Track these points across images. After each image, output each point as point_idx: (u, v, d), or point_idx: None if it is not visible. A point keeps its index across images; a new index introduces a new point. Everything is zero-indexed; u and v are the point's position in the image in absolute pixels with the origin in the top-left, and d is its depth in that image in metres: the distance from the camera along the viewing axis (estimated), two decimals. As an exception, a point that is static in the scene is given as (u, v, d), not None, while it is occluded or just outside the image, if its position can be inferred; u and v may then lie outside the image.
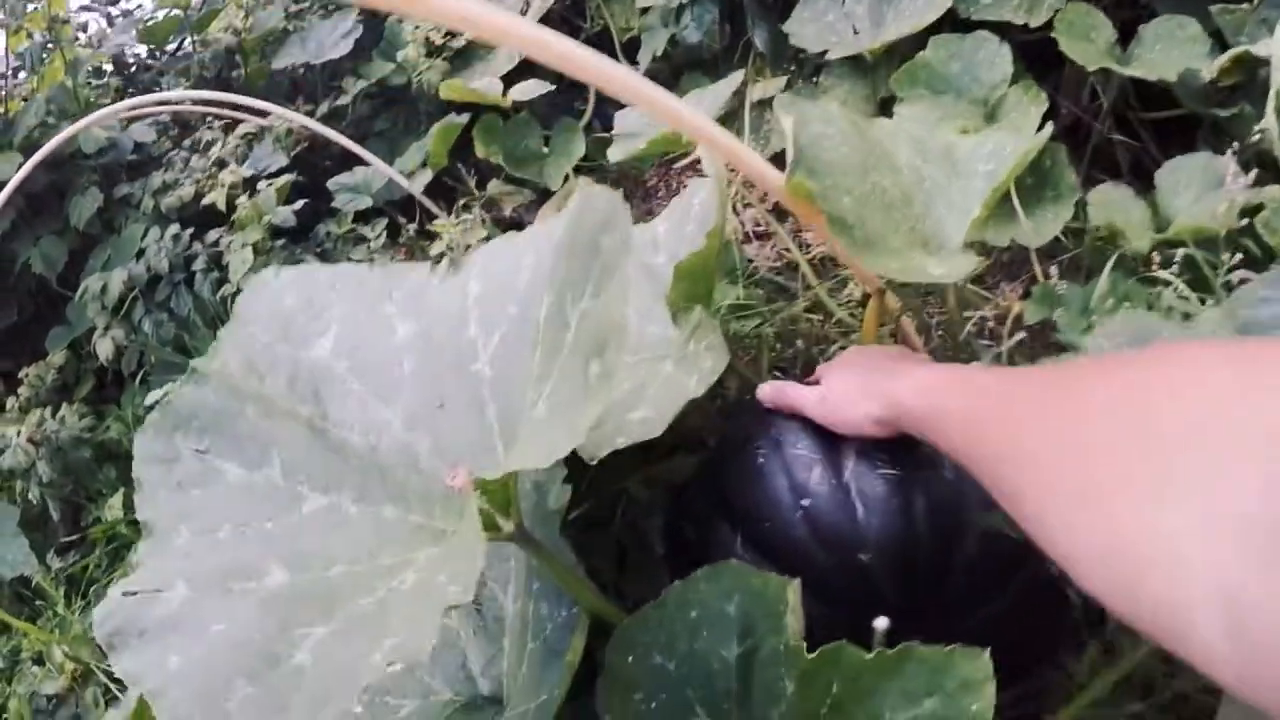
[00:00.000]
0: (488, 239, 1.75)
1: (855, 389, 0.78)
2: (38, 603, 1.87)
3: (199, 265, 1.86)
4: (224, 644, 0.66)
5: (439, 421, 0.90)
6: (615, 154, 1.79)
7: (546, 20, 2.17)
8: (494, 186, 2.11)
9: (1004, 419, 0.53)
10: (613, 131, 1.81)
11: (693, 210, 1.13)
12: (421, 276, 1.03)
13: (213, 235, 1.89)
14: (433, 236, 1.97)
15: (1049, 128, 1.06)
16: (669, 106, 0.81)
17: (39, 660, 1.87)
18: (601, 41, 2.25)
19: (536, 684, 0.75)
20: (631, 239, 0.73)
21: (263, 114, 1.97)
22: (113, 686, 1.72)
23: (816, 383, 0.84)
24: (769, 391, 0.85)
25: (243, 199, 1.82)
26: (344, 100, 2.14)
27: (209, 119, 2.18)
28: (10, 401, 2.00)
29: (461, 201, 2.11)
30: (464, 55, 2.14)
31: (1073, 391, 0.48)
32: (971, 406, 0.58)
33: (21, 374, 2.01)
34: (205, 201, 1.84)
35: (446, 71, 2.12)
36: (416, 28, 2.16)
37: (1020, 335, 1.08)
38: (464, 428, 0.88)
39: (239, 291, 1.71)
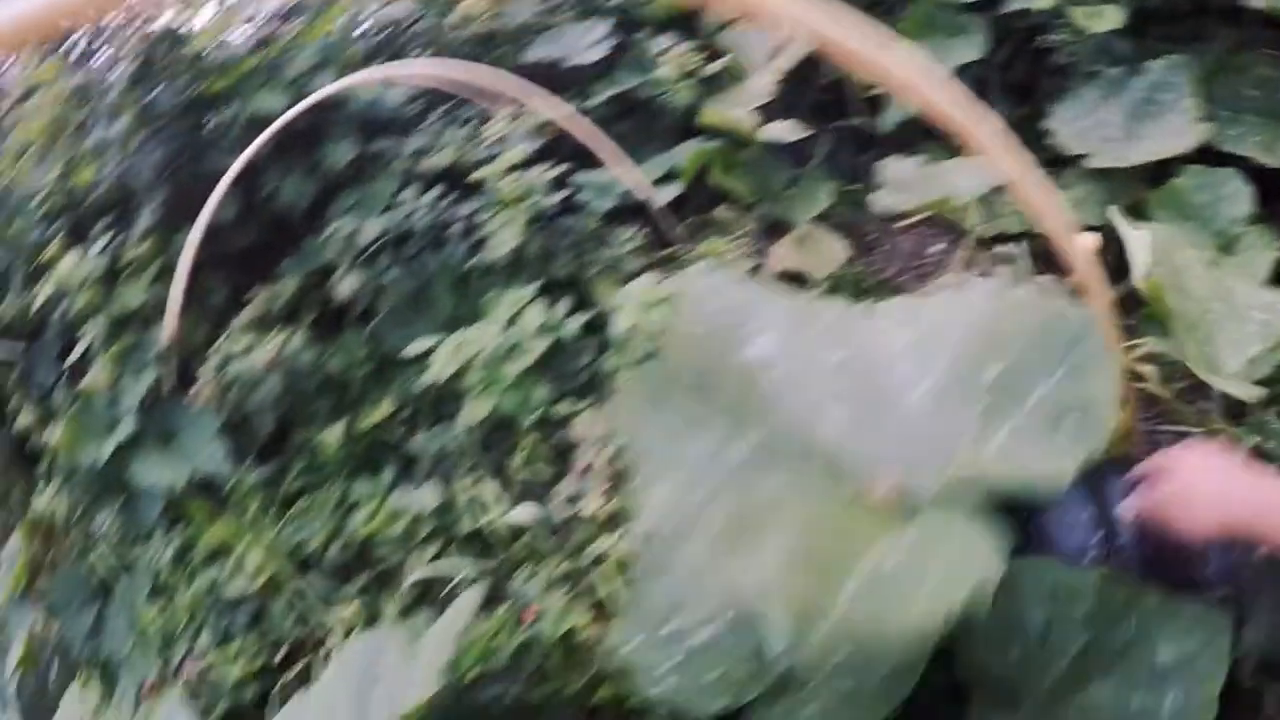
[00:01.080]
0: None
1: (1216, 492, 0.85)
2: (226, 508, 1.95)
3: (455, 230, 1.97)
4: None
5: (865, 434, 1.01)
6: (882, 201, 1.90)
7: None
8: (721, 211, 2.23)
9: None
10: (878, 179, 1.93)
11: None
12: (838, 310, 1.17)
13: (469, 206, 2.00)
14: (667, 245, 2.08)
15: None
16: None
17: (213, 557, 1.95)
18: (837, 93, 2.37)
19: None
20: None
21: (515, 100, 2.08)
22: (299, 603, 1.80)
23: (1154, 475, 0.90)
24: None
25: (509, 179, 1.93)
26: (591, 102, 2.26)
27: (460, 98, 2.30)
28: (236, 316, 2.10)
29: (690, 220, 2.22)
30: (715, 80, 2.26)
31: None
32: None
33: (249, 294, 2.12)
34: (475, 176, 1.95)
35: (699, 94, 2.24)
36: (668, 49, 2.28)
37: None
38: (890, 446, 0.99)
39: (488, 266, 1.83)
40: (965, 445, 1.13)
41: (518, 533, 1.64)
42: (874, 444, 1.14)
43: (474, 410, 1.72)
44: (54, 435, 2.24)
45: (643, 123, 2.29)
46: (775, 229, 2.16)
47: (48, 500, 2.22)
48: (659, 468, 1.01)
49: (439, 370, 1.71)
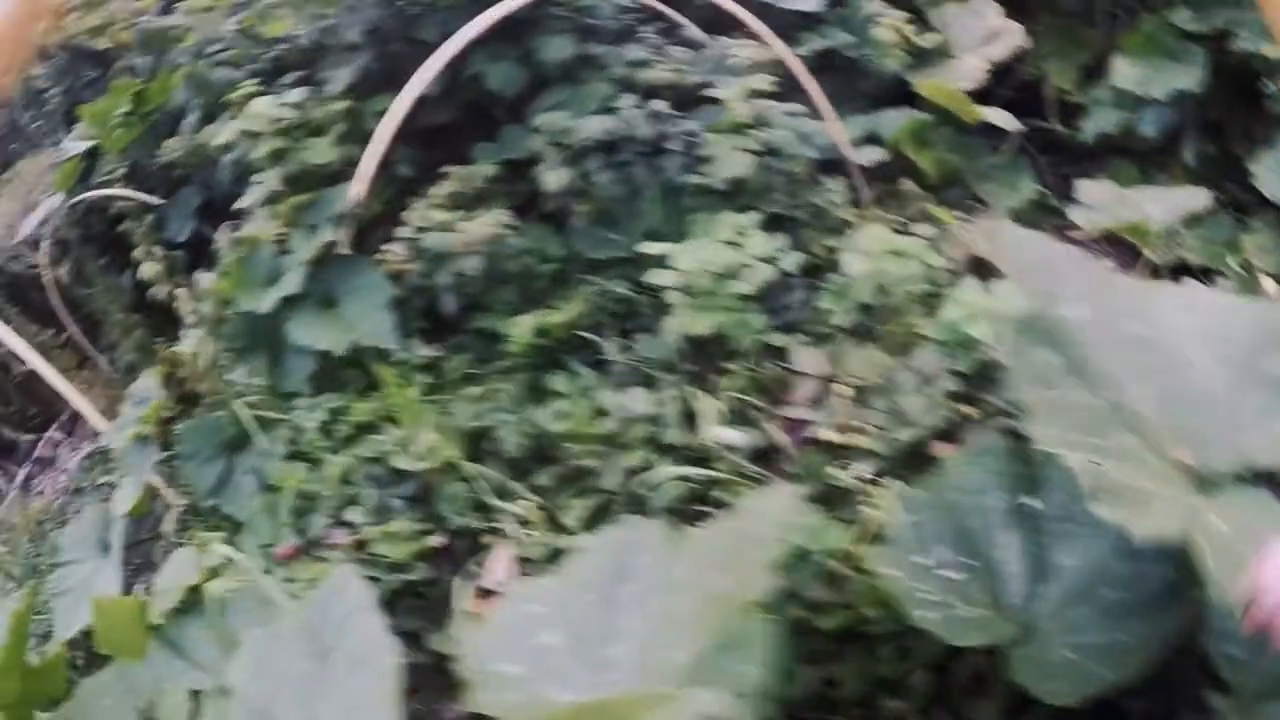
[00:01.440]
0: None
1: None
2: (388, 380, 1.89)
3: (673, 145, 1.94)
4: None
5: (1169, 409, 1.05)
6: (1079, 217, 1.93)
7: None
8: (907, 184, 2.24)
9: None
10: (1076, 194, 1.96)
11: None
12: (1132, 284, 1.19)
13: (688, 125, 1.98)
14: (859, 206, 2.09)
15: None
16: None
17: (366, 429, 1.90)
18: (1030, 94, 2.39)
19: None
20: None
21: (739, 29, 2.06)
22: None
23: None
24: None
25: (743, 104, 1.92)
26: (798, 50, 2.24)
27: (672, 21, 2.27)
28: (422, 190, 2.04)
29: (874, 185, 2.22)
30: (924, 54, 2.26)
31: None
32: None
33: (440, 171, 2.06)
34: (709, 94, 1.93)
35: (907, 64, 2.24)
36: (881, 13, 2.28)
37: None
38: (1189, 422, 1.03)
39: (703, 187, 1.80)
40: (1253, 431, 1.16)
41: (720, 452, 1.63)
42: (1176, 418, 1.16)
43: (691, 324, 1.70)
44: (198, 283, 2.17)
45: (846, 81, 2.29)
46: (961, 211, 2.18)
47: (190, 345, 2.14)
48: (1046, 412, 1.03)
49: (666, 277, 1.69)
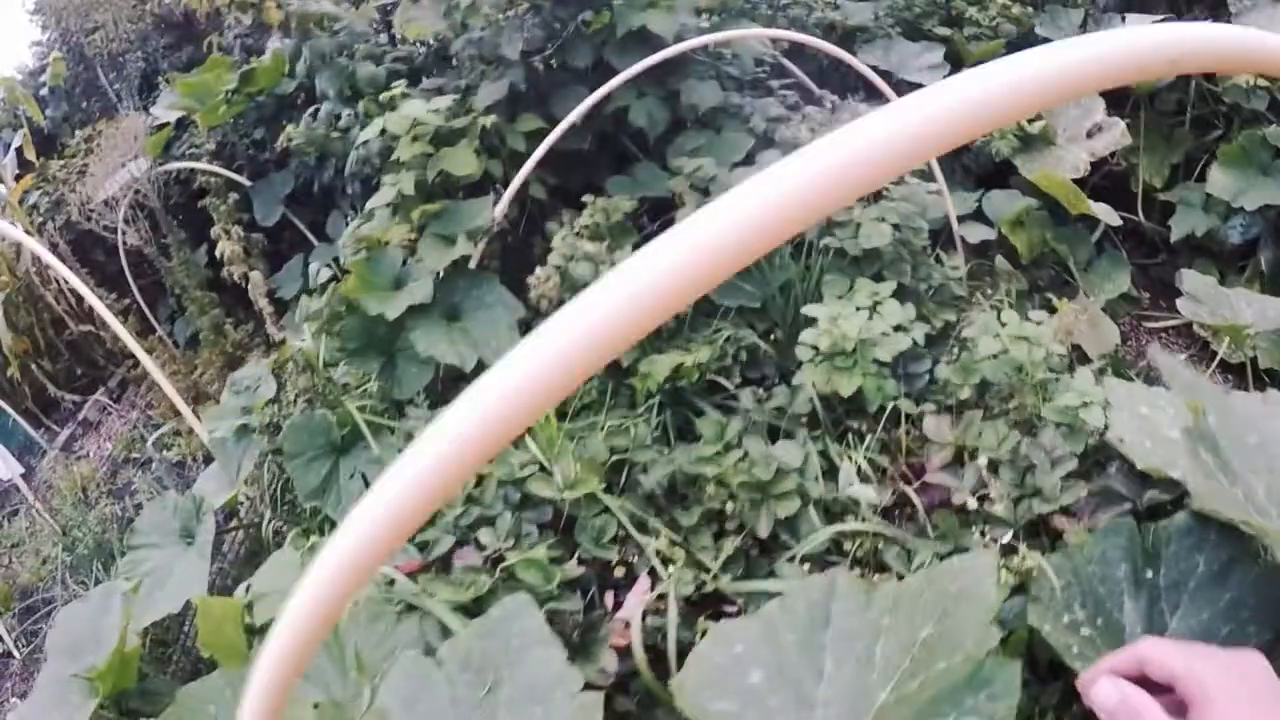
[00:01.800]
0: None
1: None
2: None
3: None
4: None
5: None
6: (1185, 308, 2.06)
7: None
8: (1001, 263, 2.35)
9: None
10: (1182, 285, 2.09)
11: None
12: (1243, 398, 1.37)
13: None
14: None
15: None
16: None
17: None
18: (1116, 184, 2.53)
19: None
20: None
21: (872, 93, 2.16)
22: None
23: (1168, 690, 0.68)
24: (1109, 697, 0.68)
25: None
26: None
27: (796, 80, 2.35)
28: (556, 216, 2.09)
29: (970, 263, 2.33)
30: (1031, 140, 2.38)
31: None
32: None
33: (582, 200, 2.11)
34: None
35: (1015, 147, 2.36)
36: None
37: None
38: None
39: (837, 250, 1.89)
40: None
41: (857, 508, 1.71)
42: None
43: (835, 383, 1.78)
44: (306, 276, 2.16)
45: (953, 156, 2.40)
46: (1051, 293, 2.30)
47: (304, 342, 2.14)
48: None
49: (813, 337, 1.77)
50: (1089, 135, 2.44)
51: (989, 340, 1.81)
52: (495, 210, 2.04)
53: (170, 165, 2.77)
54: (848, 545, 1.70)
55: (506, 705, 1.29)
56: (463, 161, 2.08)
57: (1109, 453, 1.70)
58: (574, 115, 1.94)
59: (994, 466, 1.70)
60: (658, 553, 1.67)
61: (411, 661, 1.41)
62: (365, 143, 2.18)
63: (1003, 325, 1.84)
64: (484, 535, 1.76)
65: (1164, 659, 0.68)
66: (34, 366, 3.04)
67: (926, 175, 2.19)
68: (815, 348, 1.79)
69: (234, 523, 2.19)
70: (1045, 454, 1.68)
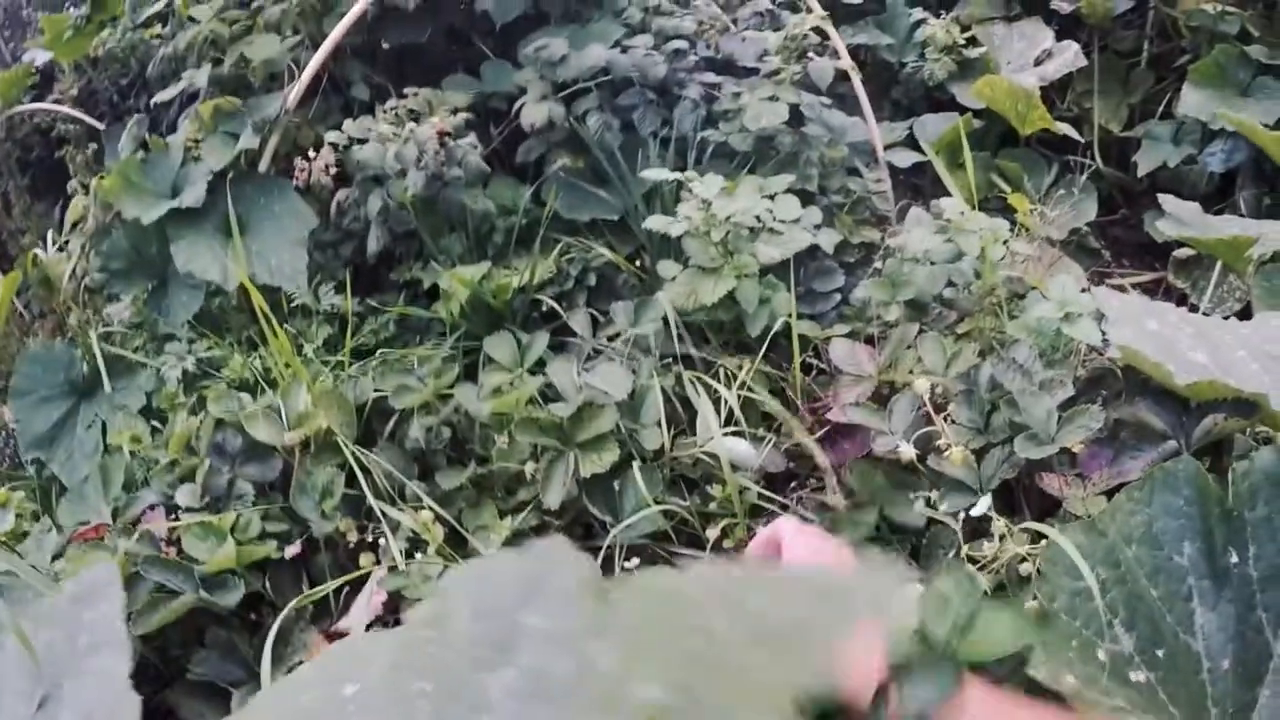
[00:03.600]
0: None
1: None
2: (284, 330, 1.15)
3: (690, 93, 1.28)
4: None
5: None
6: (1167, 227, 1.29)
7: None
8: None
9: None
10: (1165, 206, 1.33)
11: None
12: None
13: (709, 76, 1.32)
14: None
15: None
16: None
17: (239, 388, 1.15)
18: (1077, 126, 1.78)
19: None
20: None
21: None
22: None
23: None
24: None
25: (779, 55, 1.26)
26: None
27: None
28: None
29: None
30: (971, 66, 1.66)
31: None
32: None
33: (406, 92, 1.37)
34: (746, 45, 1.29)
35: (952, 73, 1.63)
36: (937, 15, 1.69)
37: None
38: None
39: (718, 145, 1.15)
40: None
41: (720, 470, 0.91)
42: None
43: (696, 292, 1.00)
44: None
45: (881, 83, 1.67)
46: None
47: (56, 258, 1.39)
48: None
49: (671, 226, 1.00)
50: (1037, 63, 1.72)
51: (924, 235, 1.03)
52: (289, 99, 1.30)
53: (18, 109, 2.09)
54: (710, 530, 0.89)
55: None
56: (263, 47, 1.35)
57: (1111, 384, 0.90)
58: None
59: (943, 399, 0.90)
60: (411, 532, 0.86)
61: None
62: (173, 36, 1.47)
63: (944, 220, 1.06)
64: (183, 494, 0.96)
65: None
66: None
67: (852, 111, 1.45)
68: (667, 237, 1.01)
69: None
70: (1023, 375, 0.86)
